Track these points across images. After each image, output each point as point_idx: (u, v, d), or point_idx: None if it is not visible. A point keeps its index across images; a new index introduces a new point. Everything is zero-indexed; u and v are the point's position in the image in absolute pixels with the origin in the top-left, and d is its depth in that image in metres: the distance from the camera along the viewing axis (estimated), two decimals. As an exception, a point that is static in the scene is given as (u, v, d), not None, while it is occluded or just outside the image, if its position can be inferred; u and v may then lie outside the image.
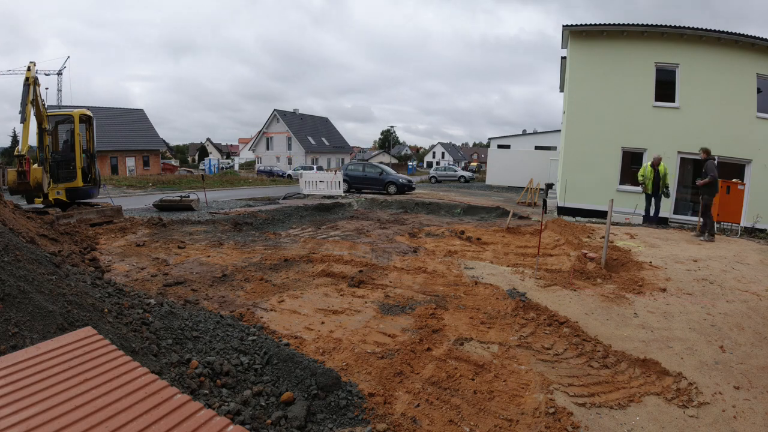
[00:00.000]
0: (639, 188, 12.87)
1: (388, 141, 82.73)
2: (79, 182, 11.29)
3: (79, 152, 11.34)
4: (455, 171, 39.98)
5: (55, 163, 10.93)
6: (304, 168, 39.52)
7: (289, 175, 41.45)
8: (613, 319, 5.09)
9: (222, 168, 52.06)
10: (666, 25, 13.64)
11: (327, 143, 55.09)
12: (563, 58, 17.31)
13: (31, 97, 9.67)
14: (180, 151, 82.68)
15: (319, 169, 40.02)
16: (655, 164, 11.63)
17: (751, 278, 6.53)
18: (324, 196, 18.62)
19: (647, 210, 12.26)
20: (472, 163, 67.51)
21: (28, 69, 9.84)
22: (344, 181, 20.22)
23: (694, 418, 3.27)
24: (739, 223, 11.64)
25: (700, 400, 3.47)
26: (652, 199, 12.04)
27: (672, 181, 14.12)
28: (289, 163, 50.11)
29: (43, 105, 10.66)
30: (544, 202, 7.93)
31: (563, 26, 14.61)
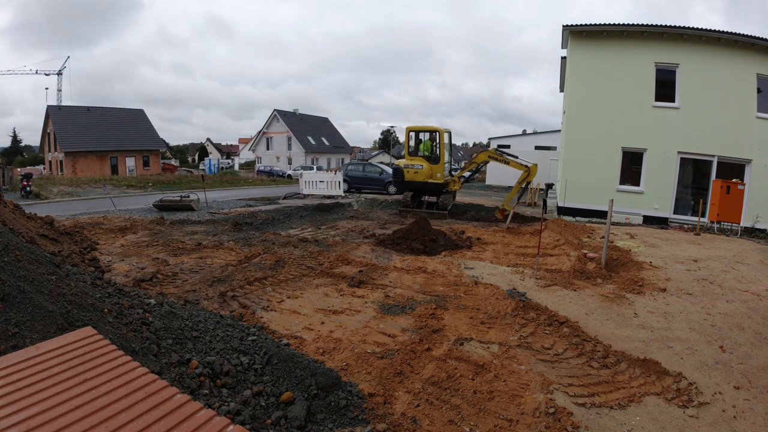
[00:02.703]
0: (639, 188, 12.92)
1: (388, 141, 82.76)
2: None
3: None
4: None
5: None
6: (304, 168, 39.50)
7: (289, 175, 41.43)
8: (613, 319, 5.09)
9: (222, 168, 52.05)
10: (666, 25, 13.64)
11: (327, 143, 55.07)
12: (563, 58, 17.30)
13: None
14: (180, 151, 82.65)
15: (319, 169, 39.99)
16: None
17: (751, 278, 6.53)
18: (324, 196, 18.61)
19: None
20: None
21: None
22: (344, 181, 20.21)
23: (694, 418, 3.27)
24: (739, 223, 11.64)
25: (700, 400, 3.47)
26: None
27: (672, 181, 14.14)
28: (289, 163, 50.09)
29: None
30: (544, 202, 7.93)
31: (563, 26, 14.61)
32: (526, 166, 13.47)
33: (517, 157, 14.07)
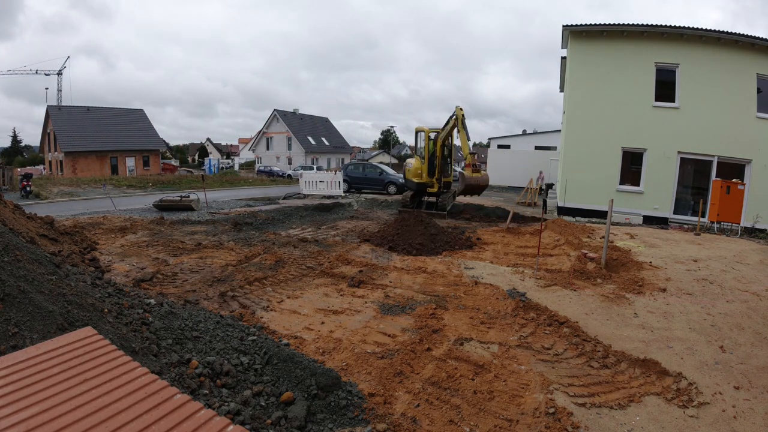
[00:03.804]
0: (639, 188, 12.92)
1: (388, 141, 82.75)
2: None
3: None
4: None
5: None
6: (304, 168, 39.49)
7: (289, 175, 41.42)
8: (613, 319, 5.09)
9: (222, 168, 52.04)
10: (666, 25, 13.64)
11: (327, 143, 55.06)
12: (563, 58, 17.30)
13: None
14: (180, 151, 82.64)
15: (319, 169, 39.98)
16: None
17: (751, 278, 6.53)
18: (324, 196, 18.61)
19: None
20: (472, 163, 67.12)
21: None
22: (344, 181, 20.20)
23: (694, 418, 3.27)
24: (739, 223, 11.64)
25: (700, 400, 3.47)
26: None
27: (672, 181, 14.14)
28: (289, 163, 50.08)
29: None
30: (544, 202, 7.94)
31: (563, 26, 14.61)
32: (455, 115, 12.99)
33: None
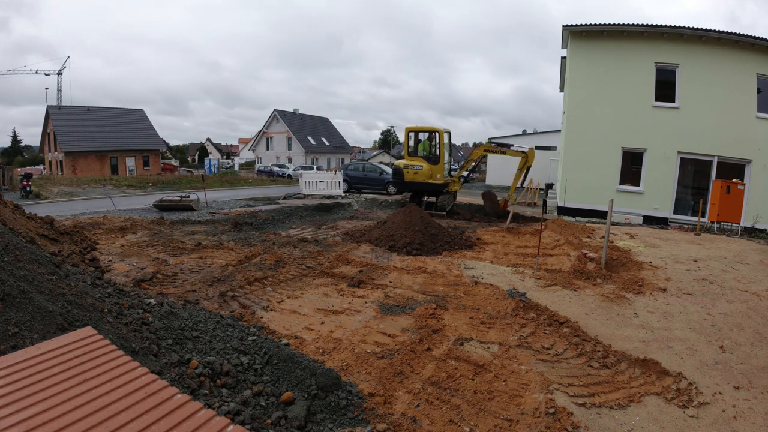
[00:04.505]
0: (639, 188, 12.95)
1: (388, 141, 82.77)
2: None
3: None
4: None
5: None
6: (304, 168, 39.48)
7: (289, 175, 41.42)
8: (613, 319, 5.09)
9: (222, 168, 52.04)
10: (666, 25, 13.64)
11: (327, 143, 55.06)
12: (563, 58, 17.30)
13: None
14: (180, 151, 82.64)
15: (319, 169, 39.98)
16: None
17: (751, 278, 6.53)
18: (324, 196, 18.61)
19: None
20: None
21: None
22: (344, 181, 20.21)
23: (694, 418, 3.27)
24: (739, 223, 11.64)
25: (700, 400, 3.47)
26: None
27: (672, 181, 14.14)
28: (289, 162, 50.11)
29: None
30: (544, 202, 7.94)
31: (563, 26, 14.61)
32: (524, 152, 13.54)
33: (512, 145, 14.10)
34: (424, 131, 15.17)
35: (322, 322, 4.85)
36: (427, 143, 14.98)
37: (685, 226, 13.01)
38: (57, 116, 36.96)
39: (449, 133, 15.46)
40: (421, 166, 14.37)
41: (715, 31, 13.21)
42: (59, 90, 43.20)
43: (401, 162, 15.09)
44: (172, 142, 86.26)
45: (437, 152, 14.56)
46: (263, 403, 2.97)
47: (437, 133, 14.67)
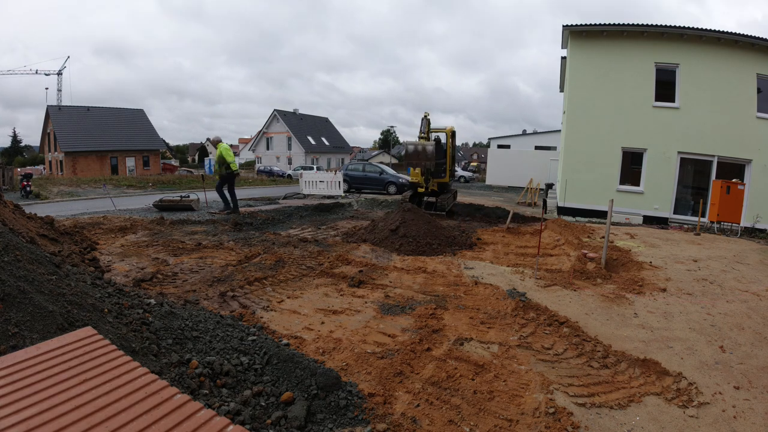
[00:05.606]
0: (639, 188, 12.99)
1: (388, 141, 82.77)
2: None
3: None
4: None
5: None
6: (304, 168, 39.50)
7: (289, 175, 41.45)
8: (613, 319, 5.09)
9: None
10: (666, 25, 13.65)
11: (327, 143, 55.07)
12: (563, 58, 17.31)
13: None
14: (180, 151, 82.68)
15: (319, 169, 39.99)
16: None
17: (751, 278, 6.53)
18: (324, 196, 18.62)
19: None
20: (472, 163, 67.48)
21: None
22: (344, 181, 20.21)
23: (694, 418, 3.27)
24: (739, 223, 11.65)
25: (700, 400, 3.47)
26: None
27: (672, 181, 14.15)
28: (289, 162, 50.12)
29: None
30: (544, 202, 7.95)
31: (563, 26, 14.62)
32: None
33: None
34: (437, 132, 15.67)
35: (322, 322, 4.85)
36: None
37: (685, 226, 13.01)
38: (57, 116, 36.97)
39: (453, 131, 15.87)
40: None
41: (714, 31, 13.22)
42: (59, 90, 43.24)
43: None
44: (172, 142, 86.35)
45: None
46: (263, 403, 2.97)
47: (445, 133, 15.23)
